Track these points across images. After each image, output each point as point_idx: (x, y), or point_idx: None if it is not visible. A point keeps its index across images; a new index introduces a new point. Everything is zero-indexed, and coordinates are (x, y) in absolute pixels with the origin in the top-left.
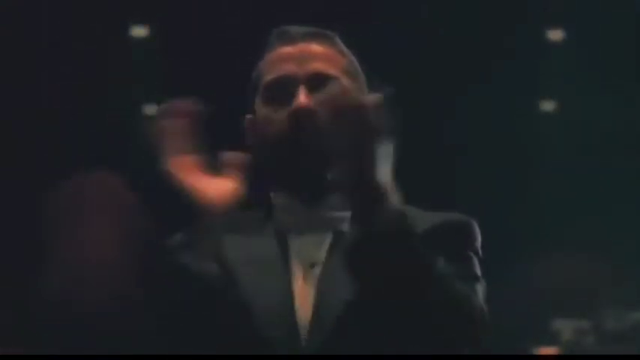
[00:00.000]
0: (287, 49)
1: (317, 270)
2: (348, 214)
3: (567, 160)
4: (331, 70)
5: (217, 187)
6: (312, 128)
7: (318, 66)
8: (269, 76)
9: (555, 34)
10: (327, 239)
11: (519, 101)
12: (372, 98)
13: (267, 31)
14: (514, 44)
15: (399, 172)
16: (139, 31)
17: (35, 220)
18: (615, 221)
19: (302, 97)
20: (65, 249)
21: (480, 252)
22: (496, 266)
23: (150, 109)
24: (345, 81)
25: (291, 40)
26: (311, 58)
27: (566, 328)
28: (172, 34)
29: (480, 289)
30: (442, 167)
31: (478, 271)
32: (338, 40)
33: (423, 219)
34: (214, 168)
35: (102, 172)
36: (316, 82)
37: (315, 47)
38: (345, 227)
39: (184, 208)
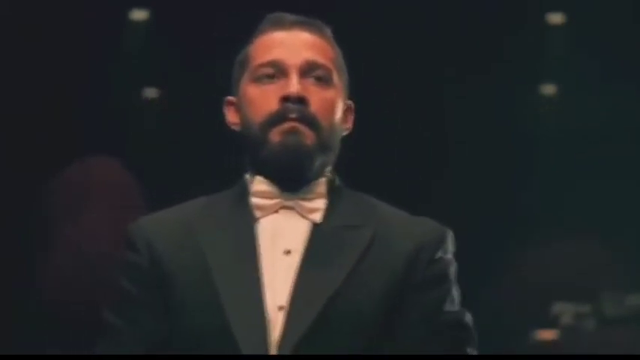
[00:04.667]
0: (280, 35)
1: (293, 257)
2: (323, 204)
3: (568, 144)
4: (322, 60)
5: None
6: (301, 113)
7: (310, 54)
8: (260, 59)
9: (555, 18)
10: (303, 227)
11: (519, 90)
12: None
13: (264, 17)
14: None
15: (397, 168)
16: (139, 15)
17: (31, 211)
18: (616, 205)
19: (294, 83)
20: (64, 240)
21: (454, 262)
22: (495, 251)
23: (149, 93)
24: (334, 73)
25: (283, 26)
26: (303, 45)
27: (565, 311)
28: (173, 18)
29: (468, 316)
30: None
31: (457, 293)
32: (329, 33)
33: (400, 222)
34: None
35: (100, 158)
36: (308, 69)
37: (308, 35)
38: (319, 217)
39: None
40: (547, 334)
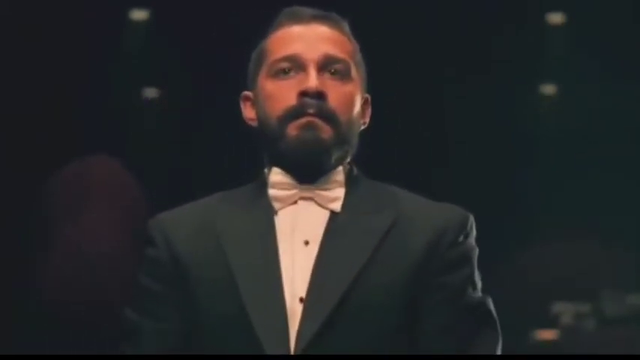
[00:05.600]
0: (297, 29)
1: (312, 247)
2: (342, 192)
3: (568, 144)
4: (341, 54)
5: None
6: (320, 109)
7: (329, 48)
8: (278, 54)
9: (555, 18)
10: (322, 217)
11: (519, 90)
12: None
13: (264, 16)
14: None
15: (400, 160)
16: (139, 15)
17: (31, 211)
18: (616, 205)
19: (313, 77)
20: (64, 240)
21: (476, 248)
22: (495, 251)
23: (149, 93)
24: (352, 67)
25: (301, 20)
26: (321, 39)
27: (565, 311)
28: (173, 18)
29: (490, 301)
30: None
31: (478, 279)
32: (347, 26)
33: (421, 208)
34: None
35: (100, 158)
36: (326, 63)
37: (325, 29)
38: (339, 206)
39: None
40: (547, 334)
